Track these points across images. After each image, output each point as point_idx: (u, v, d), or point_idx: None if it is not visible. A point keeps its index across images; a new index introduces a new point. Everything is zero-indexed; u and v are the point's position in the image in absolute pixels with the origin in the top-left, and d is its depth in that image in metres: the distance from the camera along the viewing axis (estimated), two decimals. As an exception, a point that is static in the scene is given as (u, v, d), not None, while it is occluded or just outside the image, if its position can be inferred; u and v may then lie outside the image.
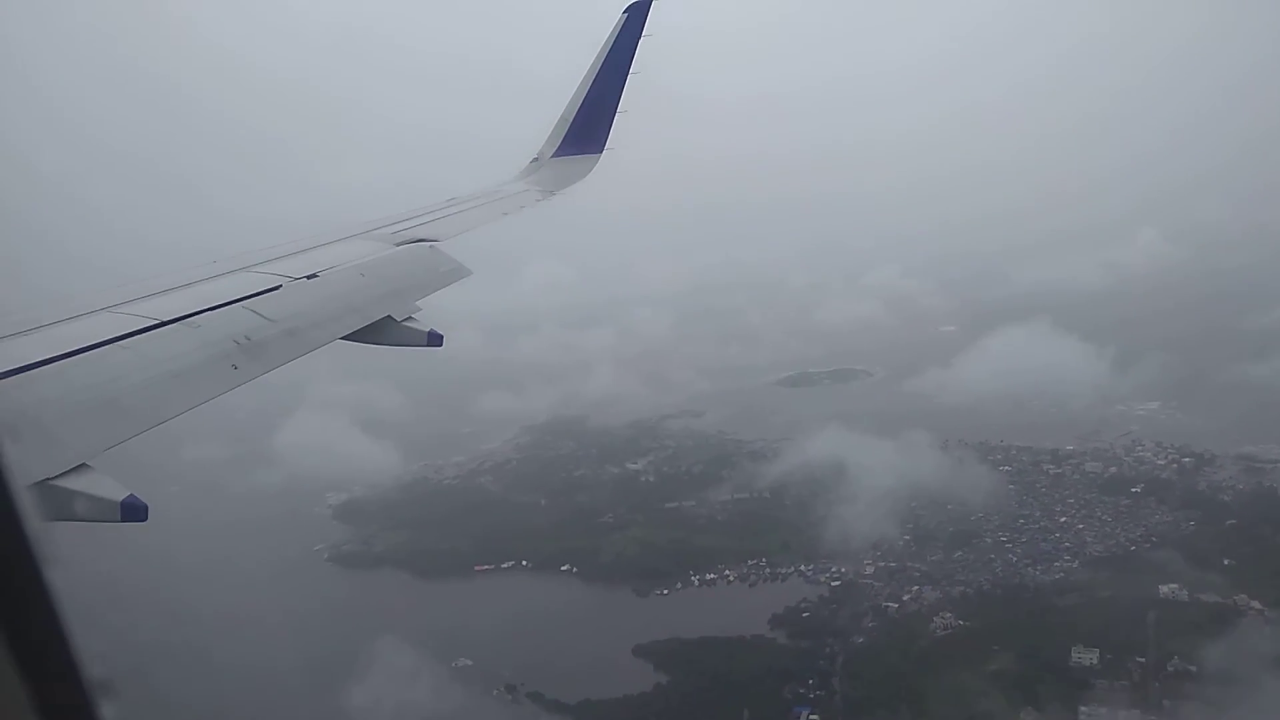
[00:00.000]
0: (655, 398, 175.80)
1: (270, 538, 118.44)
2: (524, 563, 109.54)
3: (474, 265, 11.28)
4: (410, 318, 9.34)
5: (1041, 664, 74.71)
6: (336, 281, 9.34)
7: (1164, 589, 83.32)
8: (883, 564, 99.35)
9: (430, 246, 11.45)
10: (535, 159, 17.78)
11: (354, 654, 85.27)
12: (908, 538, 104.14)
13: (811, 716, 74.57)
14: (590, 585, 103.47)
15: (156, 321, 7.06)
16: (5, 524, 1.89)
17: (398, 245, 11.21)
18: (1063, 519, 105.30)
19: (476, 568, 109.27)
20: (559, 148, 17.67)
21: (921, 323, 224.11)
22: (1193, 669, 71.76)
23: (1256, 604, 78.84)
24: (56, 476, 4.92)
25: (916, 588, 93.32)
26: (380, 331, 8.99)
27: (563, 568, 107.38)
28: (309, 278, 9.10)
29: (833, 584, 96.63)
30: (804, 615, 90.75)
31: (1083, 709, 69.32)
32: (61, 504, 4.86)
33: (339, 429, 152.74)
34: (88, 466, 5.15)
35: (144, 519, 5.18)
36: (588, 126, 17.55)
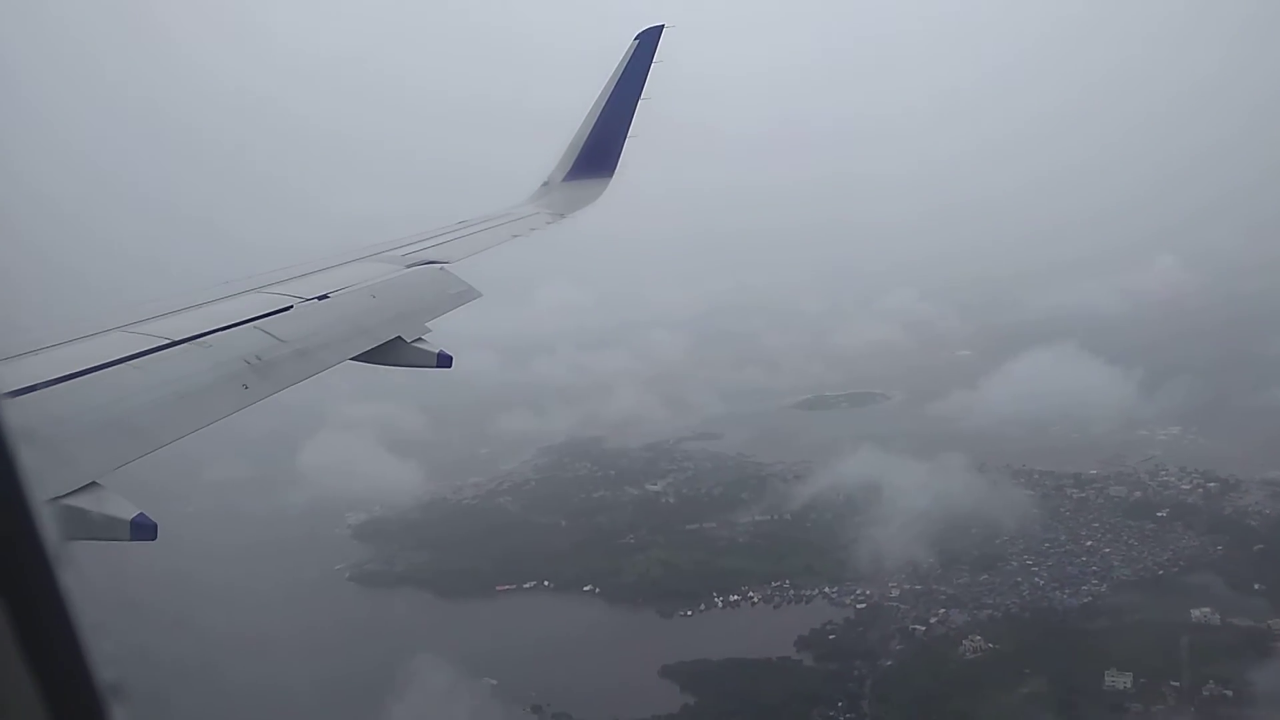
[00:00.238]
0: (671, 420, 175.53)
1: (290, 557, 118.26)
2: (546, 583, 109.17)
3: (484, 287, 11.34)
4: (420, 339, 9.39)
5: (1075, 688, 74.08)
6: (347, 303, 9.44)
7: (1196, 613, 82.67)
8: (908, 587, 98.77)
9: (440, 268, 11.50)
10: (546, 183, 17.94)
11: (380, 673, 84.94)
12: (932, 560, 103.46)
13: (843, 739, 74.07)
14: (614, 606, 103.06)
15: (168, 341, 7.11)
16: (23, 535, 1.93)
17: (408, 267, 11.28)
18: (1088, 543, 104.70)
19: (498, 588, 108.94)
20: (569, 172, 17.83)
21: (937, 347, 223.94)
22: (1229, 694, 71.08)
23: (1291, 629, 78.21)
24: (67, 495, 4.97)
25: (943, 610, 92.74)
26: (390, 353, 9.05)
27: (585, 588, 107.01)
28: (320, 299, 9.20)
29: (858, 606, 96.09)
30: (830, 637, 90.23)
31: (1118, 733, 68.70)
32: (72, 522, 4.87)
33: (356, 450, 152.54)
34: (98, 485, 5.18)
35: (154, 538, 5.20)
36: (598, 151, 17.74)
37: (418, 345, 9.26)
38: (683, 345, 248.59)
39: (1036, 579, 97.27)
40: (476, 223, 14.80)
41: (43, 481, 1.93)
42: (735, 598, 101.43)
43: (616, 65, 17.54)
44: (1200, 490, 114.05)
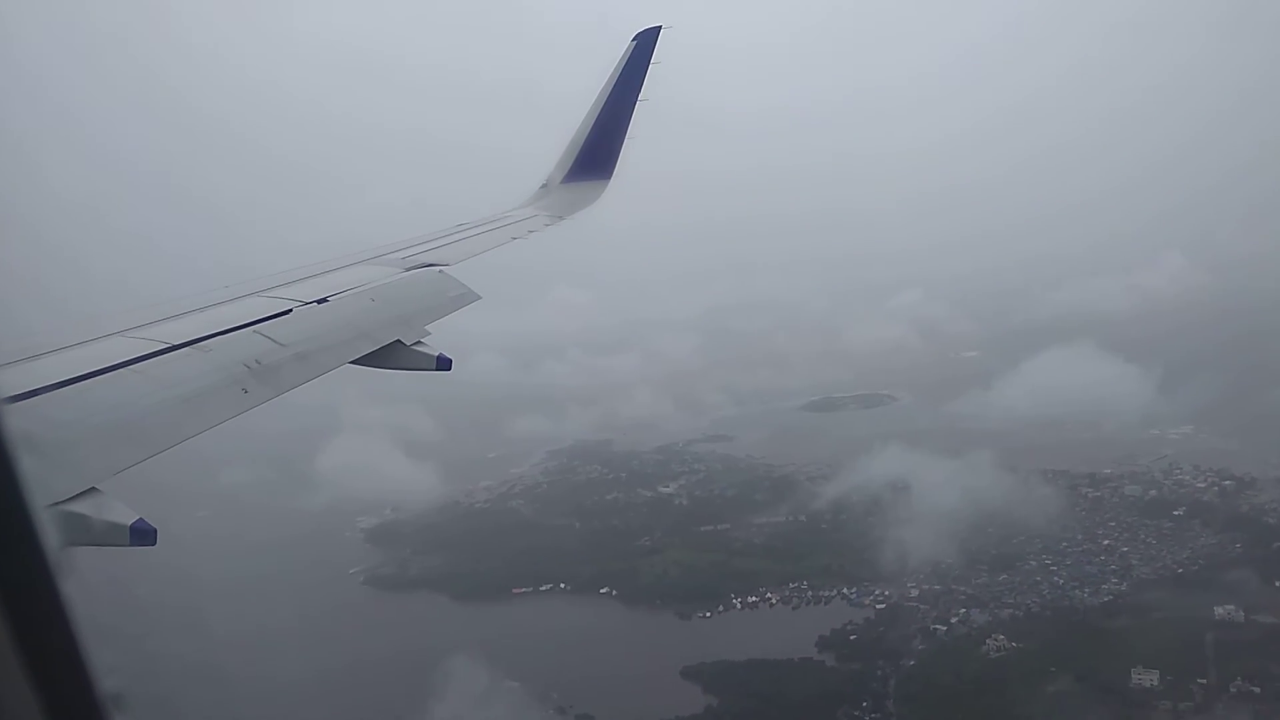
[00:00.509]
0: (679, 422, 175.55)
1: (304, 561, 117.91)
2: (562, 585, 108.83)
3: (483, 290, 11.34)
4: (420, 342, 9.37)
5: (1101, 685, 73.84)
6: (346, 306, 9.45)
7: (1219, 610, 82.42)
8: (927, 587, 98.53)
9: (439, 271, 11.50)
10: (544, 185, 17.78)
11: (404, 677, 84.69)
12: (949, 561, 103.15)
13: (870, 738, 73.81)
14: (631, 608, 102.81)
15: (168, 345, 7.09)
16: (23, 542, 1.91)
17: (407, 270, 11.28)
18: (1105, 542, 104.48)
19: (514, 590, 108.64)
20: (568, 174, 17.66)
21: (943, 348, 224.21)
22: (1256, 690, 70.90)
23: (1316, 626, 78.10)
24: (67, 500, 4.91)
25: (964, 610, 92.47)
26: (390, 356, 9.02)
27: (602, 590, 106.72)
28: (319, 302, 9.21)
29: (878, 607, 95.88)
30: (851, 638, 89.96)
31: (1148, 730, 68.52)
32: (72, 528, 4.84)
33: (365, 455, 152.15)
34: (97, 490, 5.13)
35: (153, 543, 5.16)
36: (596, 153, 17.58)
37: (417, 348, 9.24)
38: (686, 345, 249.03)
39: (1056, 578, 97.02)
40: (475, 225, 14.81)
41: (42, 487, 1.98)
42: (753, 599, 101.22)
43: (614, 66, 17.30)
44: (1216, 488, 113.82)
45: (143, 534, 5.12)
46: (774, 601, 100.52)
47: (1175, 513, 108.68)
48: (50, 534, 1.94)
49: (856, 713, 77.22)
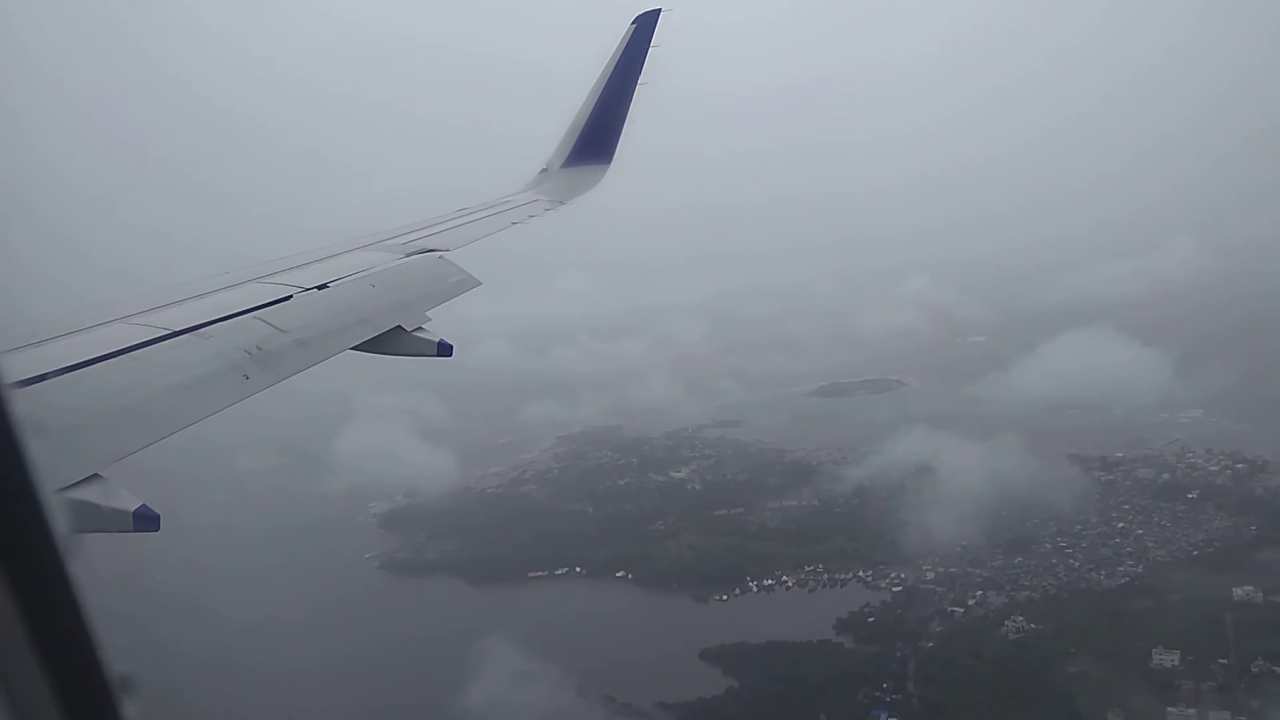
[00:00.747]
0: (688, 407, 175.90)
1: (319, 546, 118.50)
2: (578, 569, 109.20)
3: (484, 275, 11.33)
4: (420, 328, 9.35)
5: (1122, 666, 74.17)
6: (346, 292, 9.42)
7: (1238, 591, 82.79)
8: (942, 569, 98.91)
9: (440, 256, 11.48)
10: (544, 170, 17.68)
11: (421, 660, 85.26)
12: (965, 544, 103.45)
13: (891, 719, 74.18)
14: (647, 591, 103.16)
15: (169, 332, 7.08)
16: (33, 528, 1.92)
17: (407, 256, 11.25)
18: (1120, 525, 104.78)
19: (530, 574, 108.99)
20: (567, 159, 17.56)
21: (950, 332, 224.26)
22: (1278, 669, 71.22)
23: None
24: (70, 486, 4.91)
25: (980, 592, 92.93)
26: (390, 342, 9.00)
27: (617, 574, 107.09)
28: (319, 288, 9.17)
29: (894, 589, 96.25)
30: (869, 620, 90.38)
31: (1170, 710, 68.78)
32: (74, 514, 4.81)
33: (377, 441, 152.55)
34: (100, 476, 5.13)
35: (156, 529, 5.15)
36: (596, 137, 17.45)
37: (418, 334, 9.21)
38: (693, 331, 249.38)
39: (1072, 560, 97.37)
40: (475, 210, 14.73)
41: (50, 473, 1.98)
42: (769, 582, 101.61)
43: (614, 50, 17.16)
44: (1229, 471, 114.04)
45: (146, 520, 5.12)
46: (790, 585, 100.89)
47: (1189, 496, 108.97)
48: (59, 519, 1.95)
49: (877, 694, 77.62)
